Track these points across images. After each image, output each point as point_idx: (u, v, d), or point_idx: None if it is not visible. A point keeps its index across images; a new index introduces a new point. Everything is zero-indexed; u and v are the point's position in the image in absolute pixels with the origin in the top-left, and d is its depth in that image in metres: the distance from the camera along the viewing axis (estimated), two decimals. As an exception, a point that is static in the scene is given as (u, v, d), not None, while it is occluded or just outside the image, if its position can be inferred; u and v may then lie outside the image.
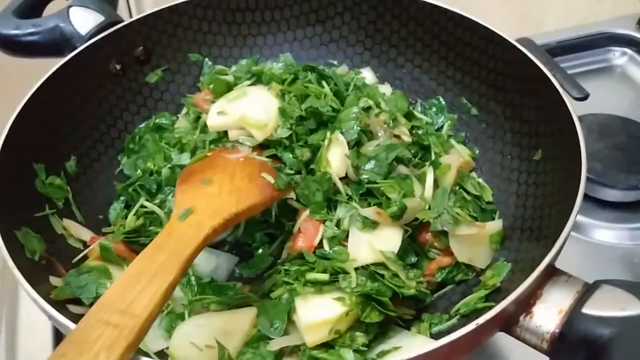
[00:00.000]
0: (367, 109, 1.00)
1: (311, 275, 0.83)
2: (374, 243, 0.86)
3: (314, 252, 0.87)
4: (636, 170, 1.22)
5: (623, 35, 1.60)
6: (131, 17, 1.17)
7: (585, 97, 1.31)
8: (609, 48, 1.60)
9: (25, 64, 1.13)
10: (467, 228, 0.89)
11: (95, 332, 0.56)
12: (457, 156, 0.99)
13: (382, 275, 0.84)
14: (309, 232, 0.89)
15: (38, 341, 1.04)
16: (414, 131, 1.05)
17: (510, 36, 1.03)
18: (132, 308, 0.61)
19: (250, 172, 0.91)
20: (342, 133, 0.94)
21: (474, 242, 0.90)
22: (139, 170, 1.05)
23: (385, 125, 0.98)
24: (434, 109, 1.13)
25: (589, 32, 1.60)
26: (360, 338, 0.82)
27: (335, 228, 0.88)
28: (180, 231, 0.76)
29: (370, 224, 0.87)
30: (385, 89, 1.14)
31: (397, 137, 0.99)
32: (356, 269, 0.84)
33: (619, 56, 1.60)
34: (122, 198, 1.03)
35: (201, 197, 0.82)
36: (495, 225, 0.93)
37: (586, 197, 1.19)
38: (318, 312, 0.81)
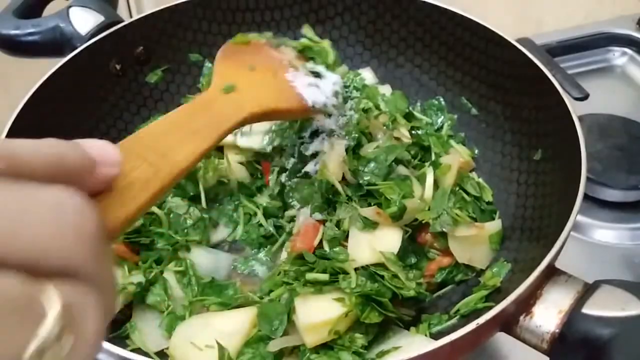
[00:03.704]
0: (366, 111, 0.99)
1: (311, 276, 0.83)
2: (374, 243, 0.86)
3: (314, 253, 0.87)
4: (636, 170, 1.22)
5: (623, 35, 1.59)
6: (131, 17, 1.17)
7: (585, 97, 1.31)
8: (609, 48, 1.60)
9: (25, 64, 1.13)
10: (467, 229, 0.89)
11: (129, 163, 0.51)
12: (457, 156, 0.99)
13: (382, 276, 0.83)
14: (309, 233, 0.89)
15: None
16: (413, 132, 1.05)
17: (510, 36, 1.03)
18: (172, 154, 0.57)
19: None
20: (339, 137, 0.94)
21: (473, 242, 0.90)
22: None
23: (385, 127, 0.98)
24: (434, 109, 1.13)
25: (589, 32, 1.59)
26: (360, 340, 0.82)
27: (336, 229, 0.88)
28: (220, 103, 0.73)
29: (370, 225, 0.87)
30: (385, 89, 1.14)
31: (397, 139, 0.99)
32: (356, 269, 0.84)
33: (619, 56, 1.60)
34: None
35: (244, 78, 0.79)
36: (494, 226, 0.93)
37: (586, 197, 1.19)
38: (317, 313, 0.80)
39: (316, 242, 0.88)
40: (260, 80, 0.81)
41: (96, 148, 0.44)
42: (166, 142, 0.59)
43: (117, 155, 0.46)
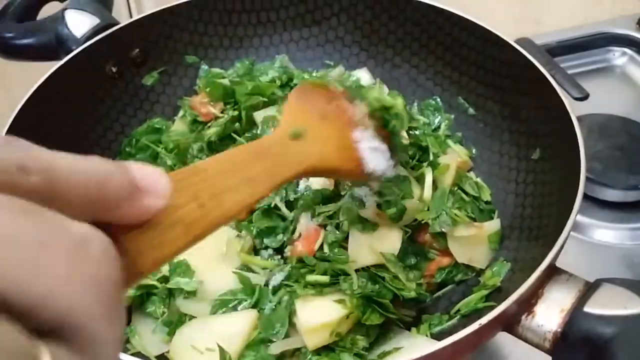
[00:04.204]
0: None
1: (311, 278, 0.82)
2: (375, 245, 0.85)
3: (314, 256, 0.86)
4: (636, 170, 1.22)
5: (623, 35, 1.59)
6: (131, 17, 1.16)
7: (585, 97, 1.30)
8: (609, 48, 1.60)
9: (26, 64, 1.13)
10: (466, 229, 0.89)
11: (178, 199, 0.45)
12: (456, 156, 0.98)
13: (383, 278, 0.83)
14: (310, 237, 0.88)
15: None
16: (411, 132, 1.04)
17: (510, 36, 1.03)
18: (224, 198, 0.51)
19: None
20: None
21: (472, 242, 0.90)
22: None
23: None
24: (431, 109, 1.12)
25: (589, 32, 1.59)
26: (361, 341, 0.81)
27: (337, 232, 0.88)
28: (284, 150, 0.67)
29: (370, 226, 0.87)
30: (383, 90, 1.13)
31: None
32: (356, 270, 0.83)
33: (619, 56, 1.59)
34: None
35: (313, 127, 0.72)
36: (493, 225, 0.92)
37: (586, 197, 1.19)
38: (319, 315, 0.80)
39: (317, 246, 0.88)
40: (328, 132, 0.75)
41: (144, 174, 0.38)
42: (222, 183, 0.52)
43: (167, 185, 0.39)
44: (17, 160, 0.30)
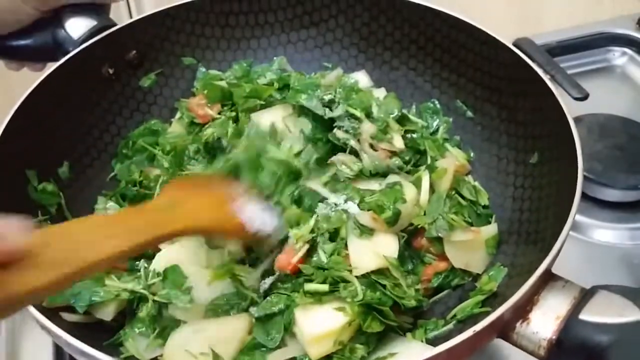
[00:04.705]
0: (357, 118, 0.99)
1: (311, 287, 0.82)
2: (375, 249, 0.85)
3: (298, 271, 0.85)
4: (636, 170, 1.21)
5: (623, 35, 1.59)
6: (131, 18, 1.16)
7: (585, 97, 1.30)
8: (608, 48, 1.59)
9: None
10: (462, 234, 0.89)
11: (42, 247, 0.56)
12: (453, 160, 0.98)
13: (384, 285, 0.82)
14: (289, 253, 0.87)
15: (39, 341, 1.04)
16: (408, 135, 1.04)
17: (510, 36, 1.03)
18: (85, 248, 0.62)
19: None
20: None
21: (469, 247, 0.90)
22: (134, 175, 1.04)
23: (374, 141, 0.97)
24: (429, 112, 1.12)
25: (589, 32, 1.59)
26: (360, 350, 0.81)
27: (329, 242, 0.87)
28: (155, 213, 0.76)
29: (368, 231, 0.86)
30: (380, 93, 1.13)
31: (391, 151, 0.98)
32: (357, 277, 0.83)
33: (618, 56, 1.59)
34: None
35: (187, 198, 0.81)
36: (490, 230, 0.92)
37: (586, 197, 1.19)
38: (321, 323, 0.80)
39: (295, 260, 0.86)
40: (202, 202, 0.83)
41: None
42: (86, 237, 0.63)
43: (21, 234, 0.51)
44: None
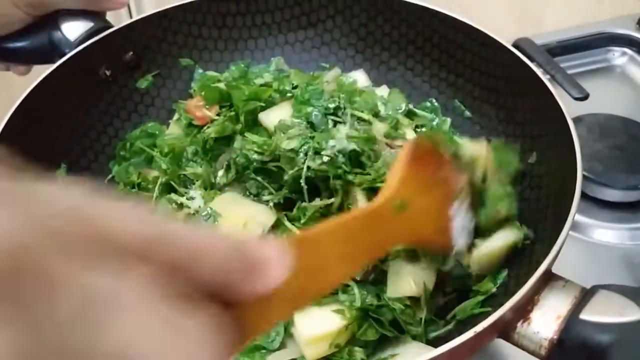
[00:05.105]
0: (364, 121, 0.97)
1: None
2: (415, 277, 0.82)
3: None
4: (636, 170, 1.21)
5: (623, 35, 1.58)
6: (131, 18, 1.16)
7: (585, 97, 1.29)
8: (609, 48, 1.59)
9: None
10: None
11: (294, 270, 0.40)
12: (484, 145, 0.91)
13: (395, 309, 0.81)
14: None
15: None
16: (418, 130, 1.04)
17: (510, 36, 1.02)
18: (326, 272, 0.47)
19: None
20: None
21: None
22: (132, 177, 1.04)
23: (389, 139, 0.96)
24: (427, 111, 1.11)
25: (589, 32, 1.58)
26: (359, 353, 0.80)
27: None
28: (390, 223, 0.64)
29: (416, 257, 0.83)
30: (383, 91, 1.12)
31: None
32: (357, 282, 0.82)
33: (619, 56, 1.58)
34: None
35: (418, 199, 0.70)
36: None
37: (586, 197, 1.18)
38: (318, 325, 0.79)
39: None
40: (428, 206, 0.72)
41: (266, 252, 0.35)
42: (332, 253, 0.49)
43: (287, 264, 0.36)
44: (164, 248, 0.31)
